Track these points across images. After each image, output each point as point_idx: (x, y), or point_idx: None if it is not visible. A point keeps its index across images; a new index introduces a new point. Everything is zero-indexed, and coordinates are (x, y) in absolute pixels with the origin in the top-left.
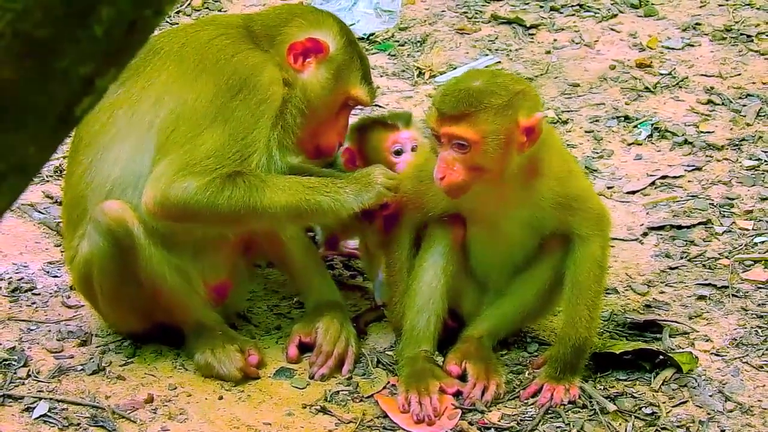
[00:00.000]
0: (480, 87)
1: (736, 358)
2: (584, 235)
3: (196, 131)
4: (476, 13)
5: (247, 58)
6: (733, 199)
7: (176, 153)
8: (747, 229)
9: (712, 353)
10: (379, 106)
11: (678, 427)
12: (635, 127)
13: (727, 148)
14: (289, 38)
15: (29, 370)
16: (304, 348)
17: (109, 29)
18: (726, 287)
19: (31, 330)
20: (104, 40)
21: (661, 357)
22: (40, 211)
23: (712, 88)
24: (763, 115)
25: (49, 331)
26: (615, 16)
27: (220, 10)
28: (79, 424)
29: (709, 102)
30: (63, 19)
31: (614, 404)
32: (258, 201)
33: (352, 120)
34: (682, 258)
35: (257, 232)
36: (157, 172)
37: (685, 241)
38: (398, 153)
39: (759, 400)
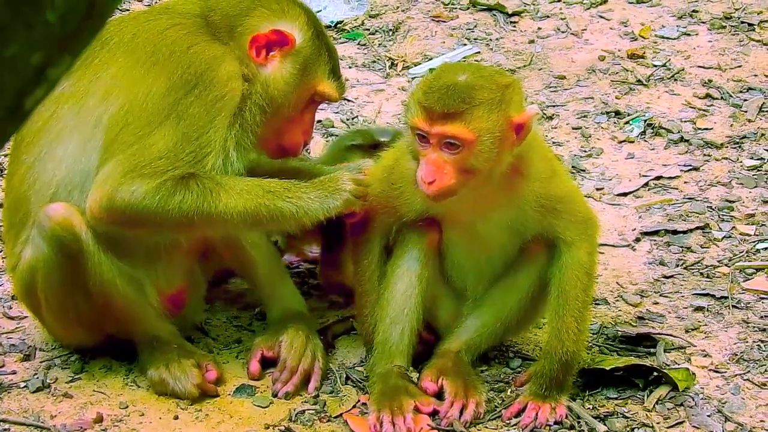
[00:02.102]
0: (469, 82)
1: (736, 375)
2: (570, 240)
3: (147, 130)
4: None
5: (204, 51)
6: (733, 201)
7: (124, 153)
8: (748, 235)
9: (710, 369)
10: (348, 100)
11: None
12: (627, 123)
13: (726, 147)
14: (251, 29)
15: None
16: (267, 363)
17: (65, 13)
18: (725, 298)
19: None
20: (58, 24)
21: (655, 373)
22: None
23: (710, 80)
24: (766, 111)
25: None
26: (605, 2)
27: None
28: None
29: (707, 96)
30: (13, 2)
31: (604, 425)
32: (213, 206)
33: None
34: (677, 266)
35: (214, 238)
36: (104, 174)
37: (681, 247)
38: None
39: (761, 421)
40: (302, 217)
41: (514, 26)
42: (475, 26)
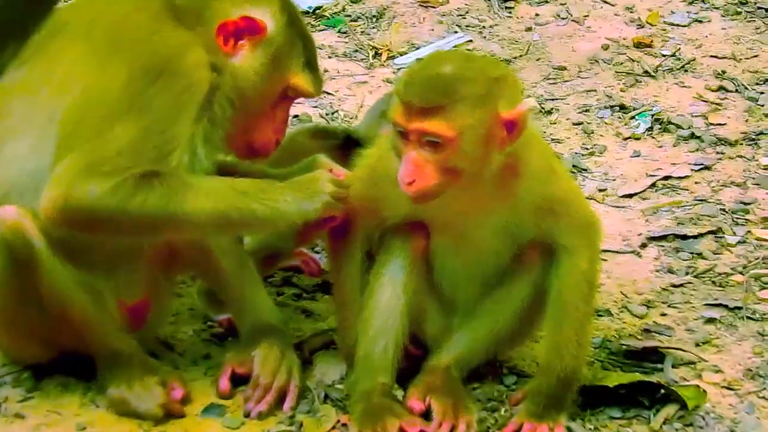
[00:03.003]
0: (453, 73)
1: (751, 393)
2: (569, 246)
3: (106, 124)
4: None
5: (169, 38)
6: (748, 203)
7: (81, 149)
8: (765, 240)
9: (722, 386)
10: (328, 93)
11: None
12: (632, 118)
13: (741, 144)
14: (219, 15)
15: None
16: (238, 380)
17: None
18: (740, 308)
19: None
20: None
21: (662, 391)
22: None
23: (723, 72)
24: None
25: None
26: None
27: None
28: None
29: (721, 89)
30: None
31: None
32: (178, 207)
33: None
34: (687, 274)
35: (181, 242)
36: (58, 172)
37: (692, 253)
38: None
39: None
40: (277, 221)
41: (510, 12)
42: (467, 12)
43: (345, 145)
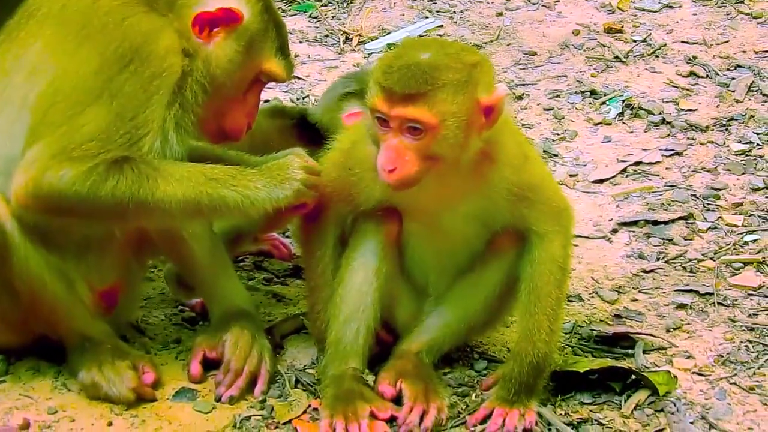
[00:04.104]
0: (433, 60)
1: (722, 379)
2: (542, 232)
3: (77, 109)
4: None
5: (140, 23)
6: (719, 189)
7: (53, 135)
8: (736, 226)
9: (693, 372)
10: (299, 78)
11: None
12: (603, 103)
13: (712, 129)
14: (193, 2)
15: None
16: (210, 365)
17: None
18: (710, 294)
19: None
20: None
21: (633, 377)
22: None
23: (694, 57)
24: (755, 90)
25: None
26: None
27: None
28: None
29: (692, 74)
30: None
31: None
32: (149, 193)
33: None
34: (658, 259)
35: (151, 228)
36: (30, 157)
37: (662, 239)
38: None
39: (749, 428)
40: (248, 208)
41: None
42: None
43: (300, 125)
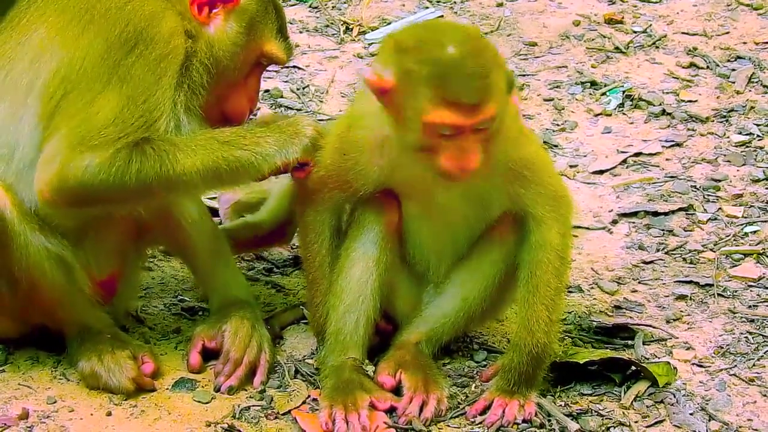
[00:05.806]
0: (483, 63)
1: (722, 370)
2: (539, 217)
3: (89, 97)
4: None
5: (143, 6)
6: (719, 180)
7: (68, 125)
8: (736, 217)
9: (693, 363)
10: (299, 68)
11: None
12: (603, 94)
13: (712, 121)
14: None
15: None
16: (209, 355)
17: None
18: (710, 285)
19: None
20: None
21: (632, 368)
22: None
23: (695, 48)
24: (755, 82)
25: None
26: None
27: None
28: None
29: (692, 65)
30: None
31: (577, 423)
32: (170, 168)
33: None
34: (658, 250)
35: (151, 215)
36: (49, 152)
37: (662, 230)
38: None
39: (749, 419)
40: (261, 165)
41: None
42: None
43: None
